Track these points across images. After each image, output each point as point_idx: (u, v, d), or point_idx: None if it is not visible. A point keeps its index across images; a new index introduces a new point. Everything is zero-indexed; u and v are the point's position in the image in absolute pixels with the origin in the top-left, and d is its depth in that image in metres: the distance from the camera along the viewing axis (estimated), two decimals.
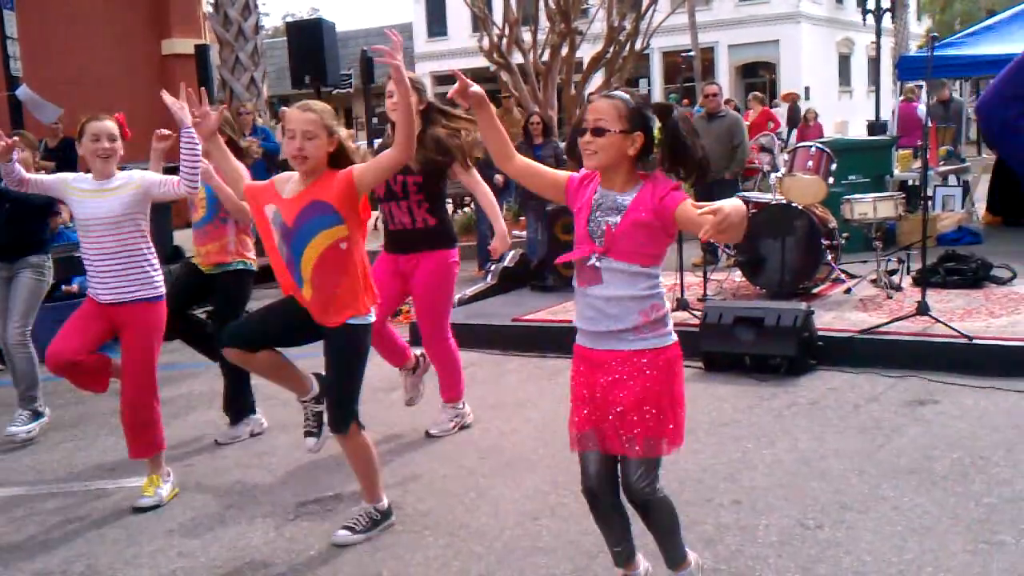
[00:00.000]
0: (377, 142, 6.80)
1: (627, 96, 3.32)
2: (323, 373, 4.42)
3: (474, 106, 3.48)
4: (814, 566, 3.80)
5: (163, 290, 5.02)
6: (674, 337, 3.41)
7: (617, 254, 3.28)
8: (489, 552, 4.13)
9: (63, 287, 9.12)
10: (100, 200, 4.85)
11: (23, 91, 10.29)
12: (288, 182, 4.23)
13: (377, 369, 7.48)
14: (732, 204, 3.00)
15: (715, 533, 4.14)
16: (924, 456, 4.89)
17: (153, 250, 5.01)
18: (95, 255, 4.89)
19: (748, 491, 4.59)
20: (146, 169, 5.20)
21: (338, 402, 4.29)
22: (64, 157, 11.28)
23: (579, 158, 3.36)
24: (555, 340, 7.51)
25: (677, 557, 3.56)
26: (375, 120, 20.09)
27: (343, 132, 4.20)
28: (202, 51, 11.04)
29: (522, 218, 12.13)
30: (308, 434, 4.60)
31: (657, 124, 3.30)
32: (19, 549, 4.54)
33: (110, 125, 4.90)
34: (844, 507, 4.34)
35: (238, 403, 6.01)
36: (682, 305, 7.74)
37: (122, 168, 5.00)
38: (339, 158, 4.16)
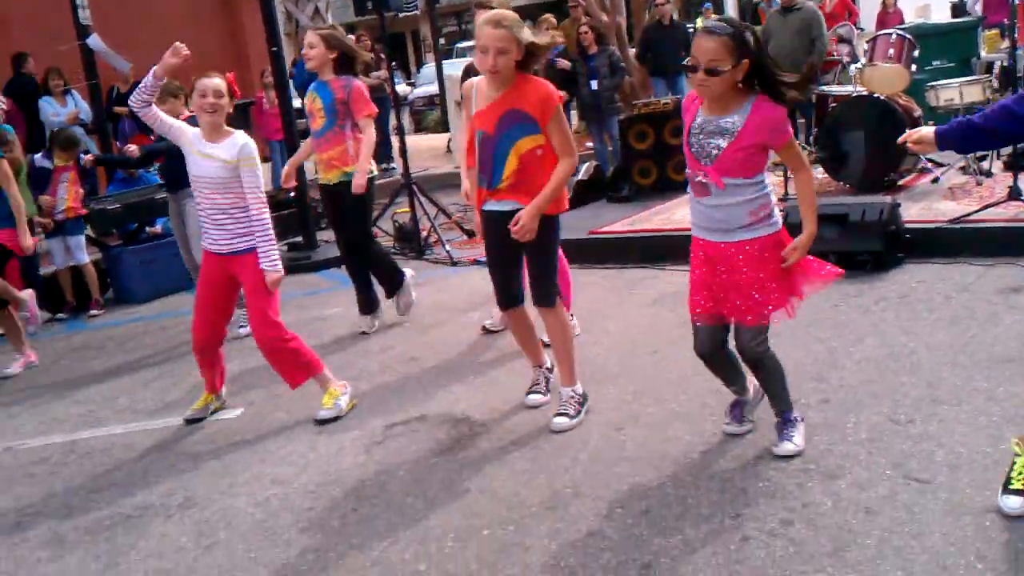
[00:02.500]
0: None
1: (728, 27, 3.60)
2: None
3: None
4: (906, 461, 3.71)
5: None
6: (779, 223, 3.83)
7: (724, 172, 3.67)
8: (574, 464, 4.13)
9: (147, 229, 9.29)
10: (208, 162, 4.95)
11: (94, 40, 10.38)
12: (478, 94, 4.49)
13: (456, 291, 7.52)
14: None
15: (804, 433, 4.07)
16: (1020, 344, 4.73)
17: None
18: (207, 208, 5.01)
19: (836, 389, 4.50)
20: None
21: (543, 276, 4.62)
22: None
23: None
24: (633, 251, 7.43)
25: (785, 406, 4.00)
26: (442, 41, 19.88)
27: (527, 33, 4.31)
28: None
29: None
30: (533, 392, 4.91)
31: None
32: (119, 486, 4.67)
33: (217, 82, 4.97)
34: (936, 401, 4.22)
35: (369, 300, 6.77)
36: None
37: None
38: (527, 60, 4.34)
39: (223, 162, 4.91)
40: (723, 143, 3.65)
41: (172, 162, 6.72)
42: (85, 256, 8.80)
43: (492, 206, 4.58)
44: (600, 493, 3.83)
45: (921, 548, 3.11)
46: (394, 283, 6.78)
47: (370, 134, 6.28)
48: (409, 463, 4.43)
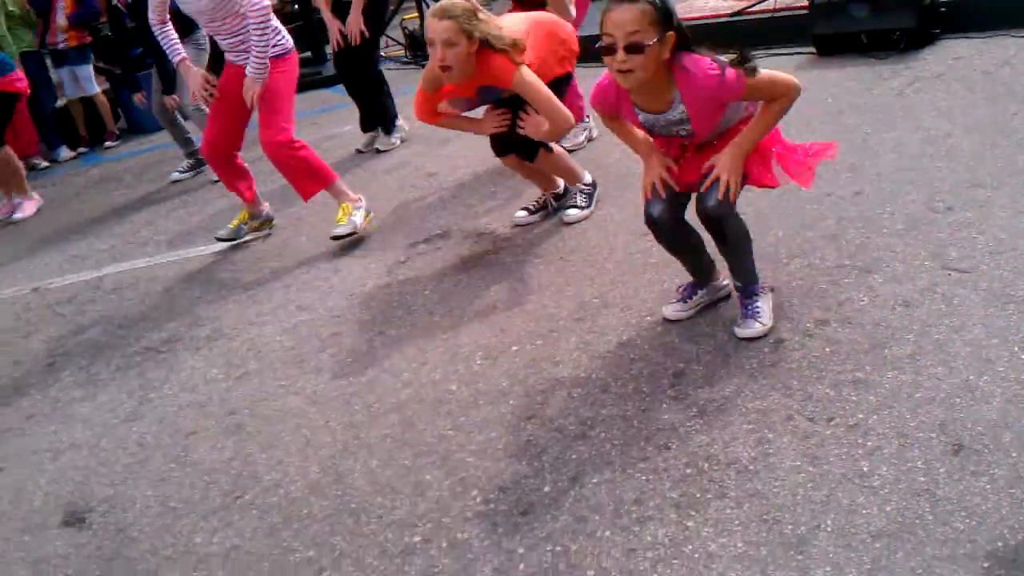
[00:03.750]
0: None
1: None
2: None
3: None
4: (944, 250, 3.57)
5: (288, 46, 4.94)
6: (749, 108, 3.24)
7: (707, 133, 3.21)
8: (600, 273, 4.04)
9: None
10: None
11: None
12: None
13: None
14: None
15: (837, 228, 3.93)
16: None
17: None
18: (216, 37, 4.91)
19: (870, 180, 4.32)
20: None
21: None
22: None
23: None
24: None
25: (750, 278, 3.39)
26: None
27: (481, 27, 4.04)
28: None
29: None
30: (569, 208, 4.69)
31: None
32: (146, 319, 4.67)
33: None
34: (975, 185, 4.04)
35: (371, 119, 6.61)
36: None
37: None
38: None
39: None
40: (688, 127, 3.15)
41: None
42: (95, 86, 8.62)
43: None
44: (628, 303, 3.74)
45: (962, 341, 3.01)
46: (386, 125, 6.59)
47: None
48: (434, 282, 4.36)
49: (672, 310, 3.54)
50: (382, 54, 8.94)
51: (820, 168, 4.49)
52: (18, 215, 6.87)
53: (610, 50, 2.94)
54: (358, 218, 4.99)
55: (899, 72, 5.66)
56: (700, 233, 3.41)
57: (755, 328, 3.30)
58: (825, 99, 5.44)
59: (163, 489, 3.25)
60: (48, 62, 8.41)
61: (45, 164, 8.23)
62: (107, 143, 8.39)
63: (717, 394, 3.03)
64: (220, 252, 5.30)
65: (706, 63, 3.00)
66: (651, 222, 3.35)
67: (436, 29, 3.98)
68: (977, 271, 3.39)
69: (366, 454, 3.18)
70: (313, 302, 4.44)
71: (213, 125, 5.07)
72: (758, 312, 3.34)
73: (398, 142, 6.57)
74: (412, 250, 4.75)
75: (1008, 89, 5.02)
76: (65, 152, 8.29)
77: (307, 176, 4.95)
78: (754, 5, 7.14)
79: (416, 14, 8.79)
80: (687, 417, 2.95)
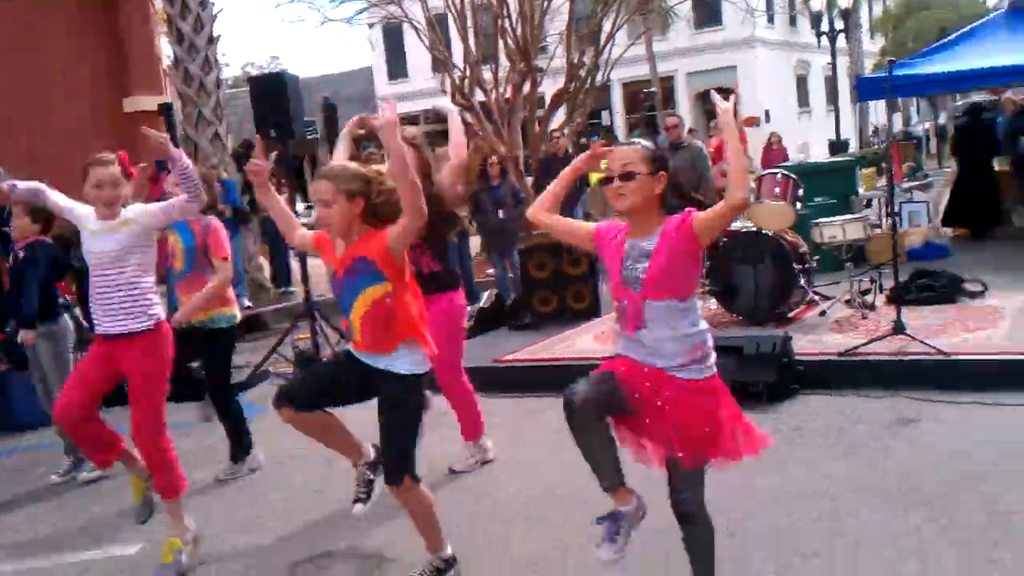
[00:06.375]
0: None
1: (647, 142, 3.58)
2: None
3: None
4: None
5: (160, 318, 4.90)
6: (714, 370, 3.57)
7: (653, 294, 3.45)
8: None
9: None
10: (106, 236, 4.78)
11: None
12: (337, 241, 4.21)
13: (359, 418, 7.46)
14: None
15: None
16: (913, 477, 4.92)
17: (153, 284, 4.90)
18: (101, 288, 4.79)
19: (741, 522, 4.59)
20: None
21: (392, 454, 4.15)
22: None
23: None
24: (537, 380, 7.50)
25: None
26: None
27: (370, 185, 4.04)
28: (165, 108, 11.22)
29: None
30: (357, 500, 4.44)
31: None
32: None
33: (114, 171, 4.80)
34: (837, 534, 4.36)
35: (237, 443, 6.34)
36: None
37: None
38: (377, 212, 4.06)
39: (118, 230, 4.79)
40: (645, 265, 3.45)
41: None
42: None
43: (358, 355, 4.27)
44: None
45: None
46: (240, 449, 6.35)
47: (223, 276, 5.92)
48: None
49: (607, 554, 3.58)
50: (270, 369, 9.18)
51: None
52: None
53: (609, 180, 3.48)
54: (184, 557, 4.78)
55: (762, 422, 5.94)
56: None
57: None
58: None
59: None
60: None
61: None
62: None
63: None
64: (90, 559, 5.15)
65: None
66: (570, 404, 3.42)
67: (314, 188, 4.10)
68: None
69: None
70: None
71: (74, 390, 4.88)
72: None
73: (244, 472, 6.33)
74: (296, 568, 4.73)
75: (862, 446, 5.47)
76: None
77: (168, 481, 4.86)
78: None
79: (307, 334, 9.14)
80: None
